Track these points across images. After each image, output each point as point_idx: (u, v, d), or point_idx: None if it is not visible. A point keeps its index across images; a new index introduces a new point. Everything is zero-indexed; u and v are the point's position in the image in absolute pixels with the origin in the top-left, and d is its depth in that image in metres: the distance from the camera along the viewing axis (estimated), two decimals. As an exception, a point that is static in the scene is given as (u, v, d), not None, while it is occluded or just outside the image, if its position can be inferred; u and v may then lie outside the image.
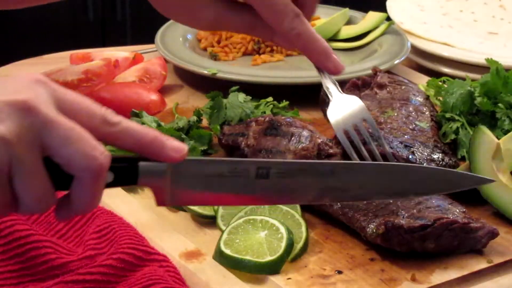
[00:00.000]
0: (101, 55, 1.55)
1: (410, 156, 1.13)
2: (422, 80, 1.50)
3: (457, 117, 1.26)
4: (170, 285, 0.91)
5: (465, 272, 1.00)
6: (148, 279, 0.92)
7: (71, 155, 0.75)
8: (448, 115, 1.27)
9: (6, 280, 0.95)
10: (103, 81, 1.45)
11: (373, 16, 1.69)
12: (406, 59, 1.58)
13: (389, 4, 1.78)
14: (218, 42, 1.64)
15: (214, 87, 1.38)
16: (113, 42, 2.93)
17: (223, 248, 0.99)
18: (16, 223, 0.97)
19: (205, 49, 1.63)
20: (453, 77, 1.41)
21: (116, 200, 1.11)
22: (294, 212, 1.05)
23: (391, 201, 1.04)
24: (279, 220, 1.03)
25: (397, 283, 0.98)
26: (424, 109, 1.26)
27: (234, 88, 1.36)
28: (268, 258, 0.98)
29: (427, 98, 1.31)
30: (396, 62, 1.52)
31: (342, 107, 1.10)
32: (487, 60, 1.31)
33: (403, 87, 1.32)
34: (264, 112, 1.33)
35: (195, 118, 1.30)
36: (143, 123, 1.25)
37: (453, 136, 1.24)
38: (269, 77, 1.46)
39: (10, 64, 1.59)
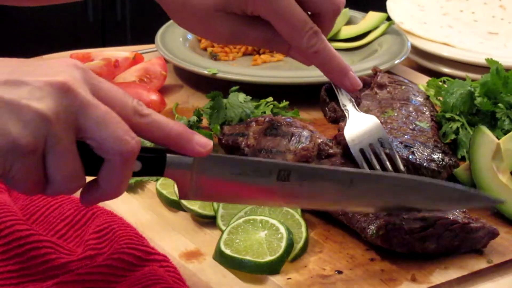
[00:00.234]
0: (101, 55, 1.55)
1: (410, 156, 1.13)
2: (422, 80, 1.50)
3: (457, 117, 1.26)
4: (170, 285, 0.91)
5: (465, 272, 1.00)
6: (148, 279, 0.92)
7: (104, 137, 0.78)
8: (448, 115, 1.27)
9: (6, 280, 0.95)
10: (103, 81, 1.45)
11: (373, 16, 1.69)
12: (406, 59, 1.58)
13: (389, 4, 1.78)
14: (218, 42, 1.64)
15: (214, 87, 1.38)
16: (113, 42, 2.94)
17: (223, 248, 0.99)
18: (16, 223, 0.97)
19: (205, 49, 1.63)
20: (453, 77, 1.42)
21: (116, 200, 1.10)
22: (294, 212, 1.05)
23: None
24: (279, 220, 1.03)
25: (397, 283, 0.98)
26: (424, 109, 1.26)
27: (234, 88, 1.36)
28: (268, 258, 0.98)
29: (427, 98, 1.31)
30: (396, 62, 1.52)
31: (359, 126, 1.09)
32: (487, 60, 1.31)
33: (403, 87, 1.32)
34: (264, 112, 1.33)
35: (195, 118, 1.31)
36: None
37: (453, 136, 1.24)
38: (269, 77, 1.46)
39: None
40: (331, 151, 1.13)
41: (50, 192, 0.79)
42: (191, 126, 1.29)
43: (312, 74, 1.43)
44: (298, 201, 0.94)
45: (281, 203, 0.96)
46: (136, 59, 1.55)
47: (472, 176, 1.12)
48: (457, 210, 1.04)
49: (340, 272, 1.00)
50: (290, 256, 1.01)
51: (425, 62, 1.63)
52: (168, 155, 0.85)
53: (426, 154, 1.15)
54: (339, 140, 1.12)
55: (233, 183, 0.89)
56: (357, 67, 1.50)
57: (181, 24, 1.13)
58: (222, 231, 1.02)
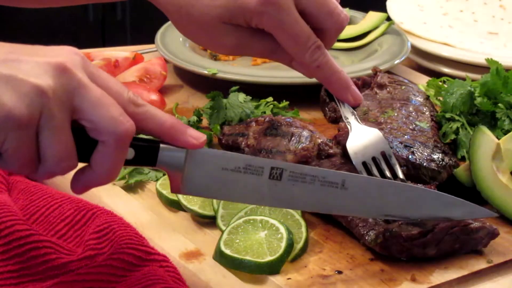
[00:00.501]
0: (101, 55, 1.55)
1: (410, 156, 1.13)
2: (422, 80, 1.50)
3: (457, 117, 1.26)
4: (170, 285, 0.91)
5: (465, 272, 1.00)
6: (148, 279, 0.92)
7: (99, 118, 0.79)
8: (448, 115, 1.27)
9: (6, 280, 0.95)
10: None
11: (373, 16, 1.69)
12: (406, 59, 1.58)
13: (389, 4, 1.78)
14: (218, 42, 1.64)
15: (214, 87, 1.38)
16: (113, 42, 2.94)
17: (223, 248, 0.99)
18: (16, 223, 0.97)
19: (205, 49, 1.63)
20: (453, 77, 1.42)
21: (116, 200, 1.11)
22: (294, 212, 1.05)
23: None
24: (279, 220, 1.03)
25: (397, 283, 0.98)
26: (424, 109, 1.26)
27: (234, 88, 1.36)
28: (268, 258, 0.98)
29: (427, 98, 1.31)
30: (396, 62, 1.52)
31: (361, 139, 1.09)
32: (487, 60, 1.31)
33: (403, 87, 1.32)
34: (264, 112, 1.33)
35: (195, 118, 1.31)
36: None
37: (453, 136, 1.24)
38: (269, 77, 1.46)
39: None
40: (331, 151, 1.13)
41: (42, 172, 0.79)
42: (191, 126, 1.29)
43: (312, 74, 1.43)
44: (289, 202, 0.93)
45: (272, 203, 0.95)
46: (136, 59, 1.55)
47: (472, 176, 1.12)
48: None
49: (340, 272, 1.00)
50: (290, 256, 1.01)
51: (425, 62, 1.63)
52: (161, 145, 0.86)
53: (426, 154, 1.15)
54: (339, 140, 1.12)
55: (225, 178, 0.89)
56: (357, 67, 1.50)
57: (185, 33, 1.13)
58: (222, 231, 1.02)
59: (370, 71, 1.42)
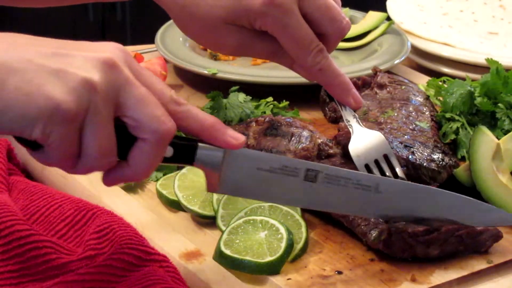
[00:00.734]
0: (101, 55, 1.54)
1: (410, 156, 1.13)
2: (422, 80, 1.50)
3: (457, 117, 1.26)
4: (170, 285, 0.91)
5: (465, 272, 1.00)
6: (148, 279, 0.92)
7: (143, 115, 0.79)
8: (448, 115, 1.27)
9: (6, 280, 0.95)
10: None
11: (373, 16, 1.69)
12: (406, 59, 1.58)
13: (389, 4, 1.78)
14: (218, 42, 1.63)
15: (214, 87, 1.38)
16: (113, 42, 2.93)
17: (223, 248, 0.99)
18: (16, 223, 0.97)
19: (205, 49, 1.63)
20: (453, 77, 1.42)
21: (116, 200, 1.11)
22: (294, 212, 1.05)
23: None
24: (279, 220, 1.02)
25: (397, 284, 0.98)
26: (424, 109, 1.26)
27: (234, 88, 1.36)
28: (268, 258, 0.98)
29: (427, 98, 1.31)
30: (396, 62, 1.52)
31: (364, 141, 1.09)
32: (487, 60, 1.31)
33: (403, 87, 1.32)
34: (264, 112, 1.33)
35: (195, 118, 1.30)
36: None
37: (453, 136, 1.24)
38: (269, 77, 1.46)
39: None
40: (331, 151, 1.13)
41: (81, 167, 0.79)
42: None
43: (312, 74, 1.43)
44: (323, 204, 0.95)
45: (306, 204, 0.96)
46: (136, 59, 1.54)
47: (472, 176, 1.12)
48: None
49: (340, 273, 1.00)
50: (290, 256, 1.01)
51: (425, 62, 1.63)
52: (199, 144, 0.87)
53: (426, 154, 1.15)
54: (339, 140, 1.12)
55: (261, 179, 0.91)
56: (357, 67, 1.50)
57: (187, 33, 1.13)
58: (222, 232, 1.02)
59: (370, 71, 1.42)
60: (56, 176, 1.18)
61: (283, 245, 0.99)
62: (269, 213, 1.05)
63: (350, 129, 1.10)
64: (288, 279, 0.98)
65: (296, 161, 0.93)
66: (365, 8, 1.74)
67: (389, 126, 1.19)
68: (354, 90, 1.12)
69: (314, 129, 1.21)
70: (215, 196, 1.08)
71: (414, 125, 1.21)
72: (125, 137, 0.81)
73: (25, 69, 0.75)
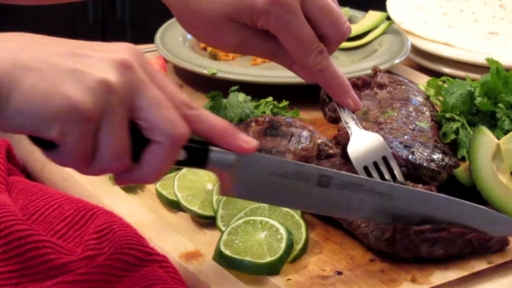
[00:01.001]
0: (101, 55, 1.54)
1: (410, 156, 1.12)
2: (422, 80, 1.50)
3: (457, 117, 1.26)
4: (169, 285, 0.91)
5: (465, 272, 1.00)
6: (148, 279, 0.92)
7: (157, 118, 0.79)
8: (448, 115, 1.27)
9: (6, 280, 0.95)
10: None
11: (373, 16, 1.69)
12: (406, 59, 1.57)
13: (389, 4, 1.78)
14: (218, 42, 1.63)
15: (214, 87, 1.38)
16: (113, 42, 2.94)
17: (222, 249, 0.99)
18: (16, 223, 0.97)
19: (205, 49, 1.63)
20: (453, 77, 1.41)
21: (116, 200, 1.11)
22: (293, 213, 1.05)
23: None
24: (278, 221, 1.02)
25: (397, 284, 0.98)
26: (424, 109, 1.26)
27: (234, 88, 1.36)
28: (268, 259, 0.98)
29: (427, 98, 1.31)
30: (396, 62, 1.52)
31: (362, 143, 1.09)
32: (487, 60, 1.31)
33: (403, 87, 1.32)
34: (264, 112, 1.33)
35: (195, 118, 1.30)
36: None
37: (453, 136, 1.24)
38: (269, 77, 1.46)
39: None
40: (330, 151, 1.12)
41: (94, 168, 0.79)
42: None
43: (312, 74, 1.43)
44: (335, 209, 0.96)
45: (319, 209, 0.97)
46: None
47: (472, 177, 1.12)
48: None
49: (340, 273, 1.00)
50: (290, 257, 1.00)
51: (425, 62, 1.63)
52: (211, 148, 0.87)
53: (426, 154, 1.14)
54: (339, 140, 1.12)
55: (274, 183, 0.91)
56: (357, 66, 1.50)
57: (189, 30, 1.13)
58: (222, 232, 1.02)
59: (370, 71, 1.42)
60: (55, 176, 1.18)
61: (283, 245, 0.99)
62: (269, 214, 1.05)
63: (349, 131, 1.10)
64: (288, 279, 0.98)
65: (309, 166, 0.93)
66: (365, 8, 1.74)
67: (389, 126, 1.19)
68: (353, 92, 1.12)
69: (314, 129, 1.21)
70: (215, 196, 1.08)
71: (414, 125, 1.21)
72: (138, 140, 0.80)
73: (41, 68, 0.75)
